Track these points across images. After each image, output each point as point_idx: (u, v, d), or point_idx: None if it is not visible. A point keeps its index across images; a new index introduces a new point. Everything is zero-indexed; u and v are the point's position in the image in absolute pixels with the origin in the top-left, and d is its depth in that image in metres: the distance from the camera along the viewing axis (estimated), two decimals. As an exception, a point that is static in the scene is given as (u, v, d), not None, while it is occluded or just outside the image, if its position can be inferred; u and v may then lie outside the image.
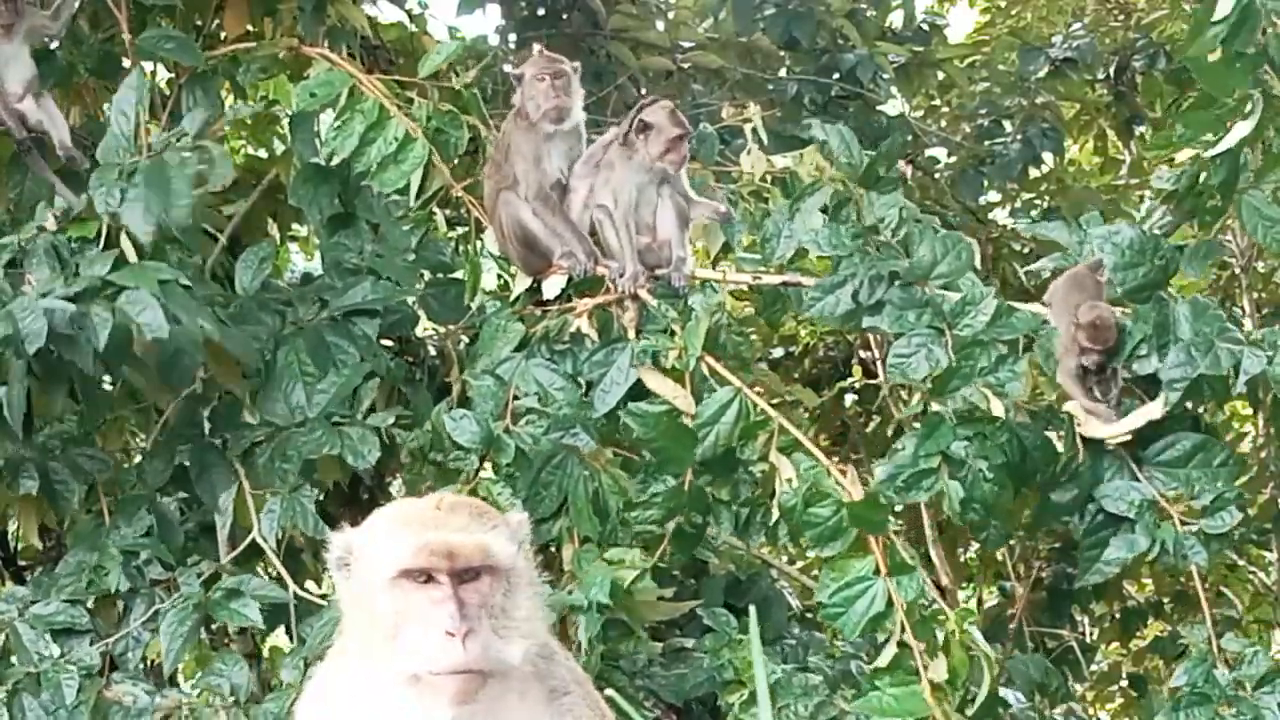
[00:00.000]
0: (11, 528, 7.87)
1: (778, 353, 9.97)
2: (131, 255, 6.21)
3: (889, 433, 8.49)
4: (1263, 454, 9.62)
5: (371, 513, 3.71)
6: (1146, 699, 9.62)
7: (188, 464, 6.66)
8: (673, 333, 6.10)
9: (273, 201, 7.69)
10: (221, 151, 6.29)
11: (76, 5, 6.79)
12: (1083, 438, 5.96)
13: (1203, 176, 6.01)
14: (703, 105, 9.25)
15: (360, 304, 6.65)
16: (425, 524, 3.52)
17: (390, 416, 6.46)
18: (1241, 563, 10.22)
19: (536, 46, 6.60)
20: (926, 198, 10.22)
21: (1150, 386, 5.98)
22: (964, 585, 10.00)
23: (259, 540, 6.38)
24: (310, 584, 6.74)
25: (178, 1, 7.07)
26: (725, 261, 6.77)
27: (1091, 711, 11.42)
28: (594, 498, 6.15)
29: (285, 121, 7.67)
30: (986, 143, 10.73)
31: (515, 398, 6.19)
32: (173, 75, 7.29)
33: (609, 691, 3.83)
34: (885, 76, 10.14)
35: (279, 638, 7.10)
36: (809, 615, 8.03)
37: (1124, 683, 10.71)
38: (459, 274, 6.77)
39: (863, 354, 10.17)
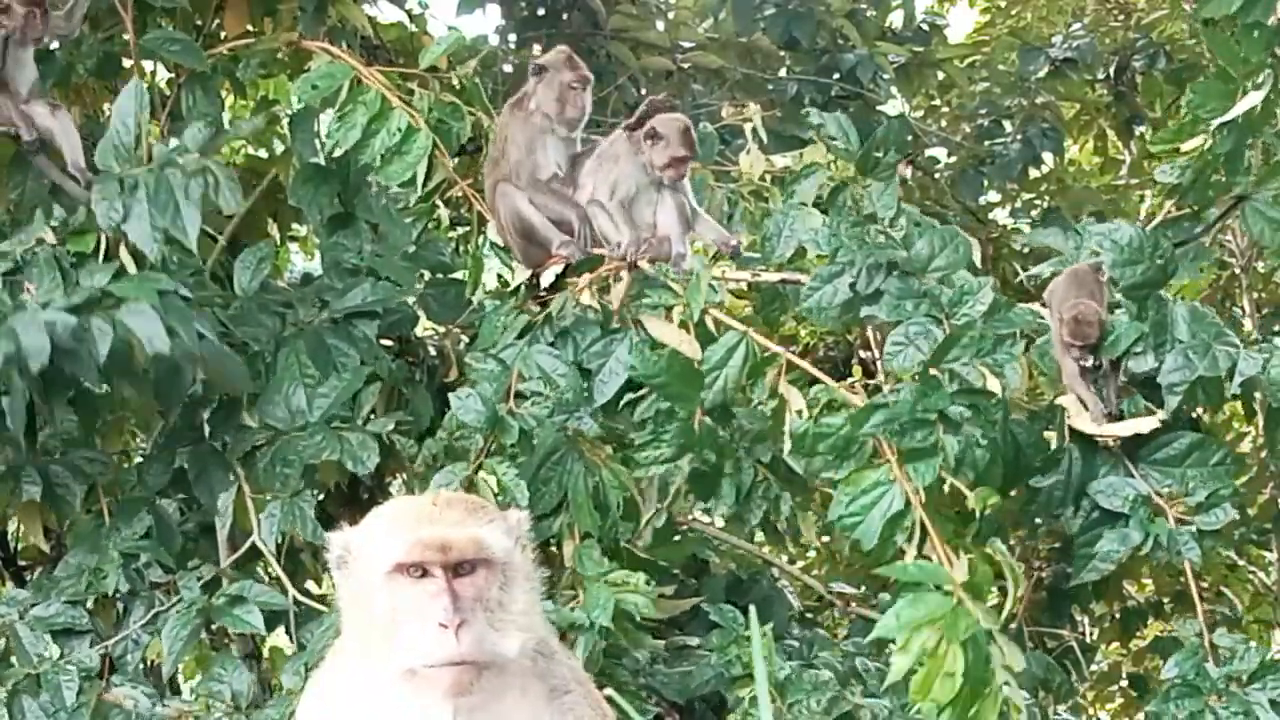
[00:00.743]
0: (11, 528, 7.87)
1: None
2: (130, 264, 6.23)
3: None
4: (1262, 454, 9.62)
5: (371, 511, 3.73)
6: (1147, 698, 9.65)
7: (187, 466, 6.65)
8: (674, 293, 6.12)
9: (273, 201, 7.69)
10: (228, 174, 6.30)
11: (87, 4, 6.79)
12: (1073, 430, 5.97)
13: (1208, 144, 6.01)
14: (703, 105, 9.26)
15: (360, 306, 6.65)
16: (420, 519, 3.54)
17: (390, 422, 6.46)
18: (1241, 563, 10.23)
19: (560, 49, 6.60)
20: (926, 198, 10.23)
21: (1145, 385, 6.00)
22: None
23: (259, 544, 6.38)
24: (310, 585, 6.74)
25: (182, 2, 7.07)
26: (724, 261, 6.78)
27: (1091, 711, 11.43)
28: (594, 493, 6.15)
29: (285, 121, 7.67)
30: (986, 143, 10.74)
31: (519, 383, 6.21)
32: (172, 75, 7.29)
33: (609, 690, 3.84)
34: (885, 76, 10.15)
35: (278, 638, 7.10)
36: (809, 615, 8.05)
37: (1124, 683, 10.71)
38: (459, 274, 6.77)
39: (863, 354, 10.17)
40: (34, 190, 6.72)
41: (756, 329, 6.15)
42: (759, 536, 8.26)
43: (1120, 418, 6.00)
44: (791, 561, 9.82)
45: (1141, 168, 11.54)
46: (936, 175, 10.85)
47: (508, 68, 9.40)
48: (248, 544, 6.41)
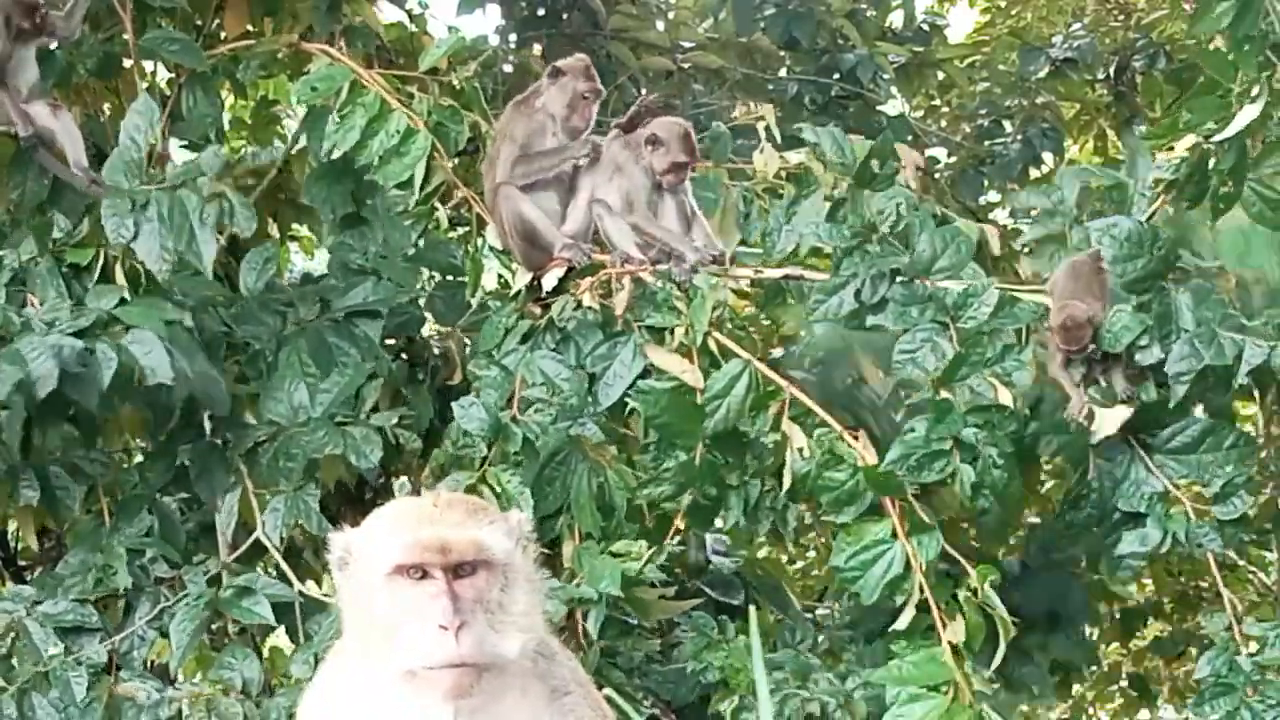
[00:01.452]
0: (11, 528, 7.87)
1: (778, 353, 9.94)
2: (121, 278, 6.24)
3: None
4: (1263, 453, 9.61)
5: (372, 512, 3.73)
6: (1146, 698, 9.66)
7: (189, 464, 6.66)
8: (678, 311, 6.12)
9: (273, 201, 7.69)
10: (241, 199, 6.33)
11: (87, 5, 6.79)
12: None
13: (1211, 163, 6.00)
14: (702, 105, 9.26)
15: (362, 305, 6.65)
16: (421, 520, 3.54)
17: (393, 416, 6.47)
18: (1242, 563, 10.22)
19: (580, 56, 6.60)
20: (926, 198, 10.22)
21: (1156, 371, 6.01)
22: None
23: (263, 539, 6.38)
24: (311, 584, 6.74)
25: (182, 2, 7.08)
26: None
27: (1092, 712, 11.43)
28: (598, 493, 6.15)
29: (285, 121, 7.67)
30: (986, 143, 10.75)
31: (522, 388, 6.21)
32: (173, 75, 7.29)
33: (608, 691, 3.84)
34: (885, 76, 10.16)
35: (278, 638, 7.11)
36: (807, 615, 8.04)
37: (1124, 683, 10.71)
38: (466, 276, 6.78)
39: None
40: (34, 190, 6.72)
41: (758, 329, 6.15)
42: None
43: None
44: (791, 561, 9.82)
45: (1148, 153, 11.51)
46: (936, 175, 10.84)
47: (508, 68, 9.40)
48: (250, 540, 6.41)
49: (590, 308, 6.28)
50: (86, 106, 7.43)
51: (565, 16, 9.79)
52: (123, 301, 6.16)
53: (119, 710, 6.15)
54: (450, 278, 7.04)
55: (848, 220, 6.29)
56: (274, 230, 7.98)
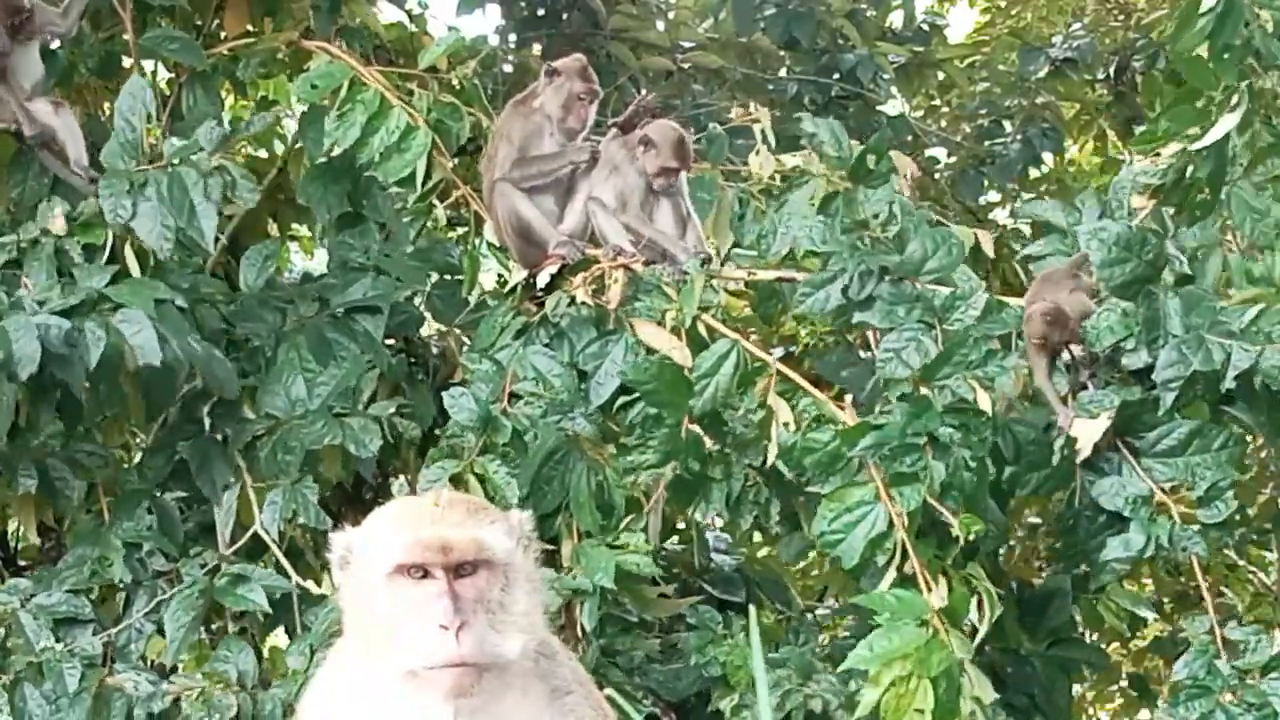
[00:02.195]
0: (11, 527, 7.87)
1: (778, 352, 9.95)
2: (133, 263, 6.24)
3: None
4: (1263, 454, 9.61)
5: (373, 511, 3.73)
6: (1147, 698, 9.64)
7: (188, 458, 6.66)
8: (668, 297, 6.13)
9: (273, 201, 7.70)
10: (242, 172, 6.32)
11: (85, 4, 6.80)
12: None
13: (1189, 170, 6.00)
14: (703, 105, 9.27)
15: (361, 301, 6.66)
16: (421, 520, 3.54)
17: (391, 406, 6.47)
18: (1241, 563, 10.22)
19: (576, 57, 6.61)
20: (926, 197, 10.22)
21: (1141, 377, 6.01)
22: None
23: (261, 532, 6.38)
24: (310, 583, 6.74)
25: (182, 1, 7.08)
26: (728, 261, 6.79)
27: (1091, 711, 11.42)
28: (597, 491, 6.16)
29: (285, 121, 7.67)
30: (986, 143, 10.74)
31: (514, 384, 6.22)
32: (173, 75, 7.30)
33: (608, 690, 3.84)
34: (885, 76, 10.16)
35: (278, 637, 7.11)
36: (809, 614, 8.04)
37: (1124, 683, 10.70)
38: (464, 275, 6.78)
39: (863, 354, 10.16)
40: (34, 188, 6.72)
41: (753, 329, 6.17)
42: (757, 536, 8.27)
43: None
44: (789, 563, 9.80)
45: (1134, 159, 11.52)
46: (936, 175, 10.85)
47: (508, 68, 9.40)
48: (249, 534, 6.41)
49: (584, 303, 6.29)
50: (87, 106, 7.44)
51: (565, 16, 9.79)
52: (114, 280, 6.14)
53: (108, 701, 6.16)
54: (448, 276, 7.04)
55: (839, 214, 6.29)
56: (274, 230, 7.99)
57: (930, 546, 5.66)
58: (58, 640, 6.19)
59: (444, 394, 6.23)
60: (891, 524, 5.62)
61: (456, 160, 6.69)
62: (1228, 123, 5.76)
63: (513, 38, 9.87)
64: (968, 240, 6.56)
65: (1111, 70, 11.27)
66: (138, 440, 7.61)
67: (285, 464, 6.38)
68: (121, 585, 6.37)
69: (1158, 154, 6.23)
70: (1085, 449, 5.91)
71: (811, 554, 10.68)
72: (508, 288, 6.52)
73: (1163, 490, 5.90)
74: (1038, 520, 8.93)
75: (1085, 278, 6.13)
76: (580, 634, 5.97)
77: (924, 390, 5.77)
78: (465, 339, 7.14)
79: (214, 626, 6.92)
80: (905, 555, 5.64)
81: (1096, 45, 11.02)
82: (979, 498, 5.76)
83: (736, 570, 7.49)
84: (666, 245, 6.32)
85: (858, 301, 6.09)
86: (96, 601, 6.40)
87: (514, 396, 6.20)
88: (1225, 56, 5.62)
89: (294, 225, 8.39)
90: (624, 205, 6.32)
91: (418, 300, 7.07)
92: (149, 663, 6.49)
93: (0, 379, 5.93)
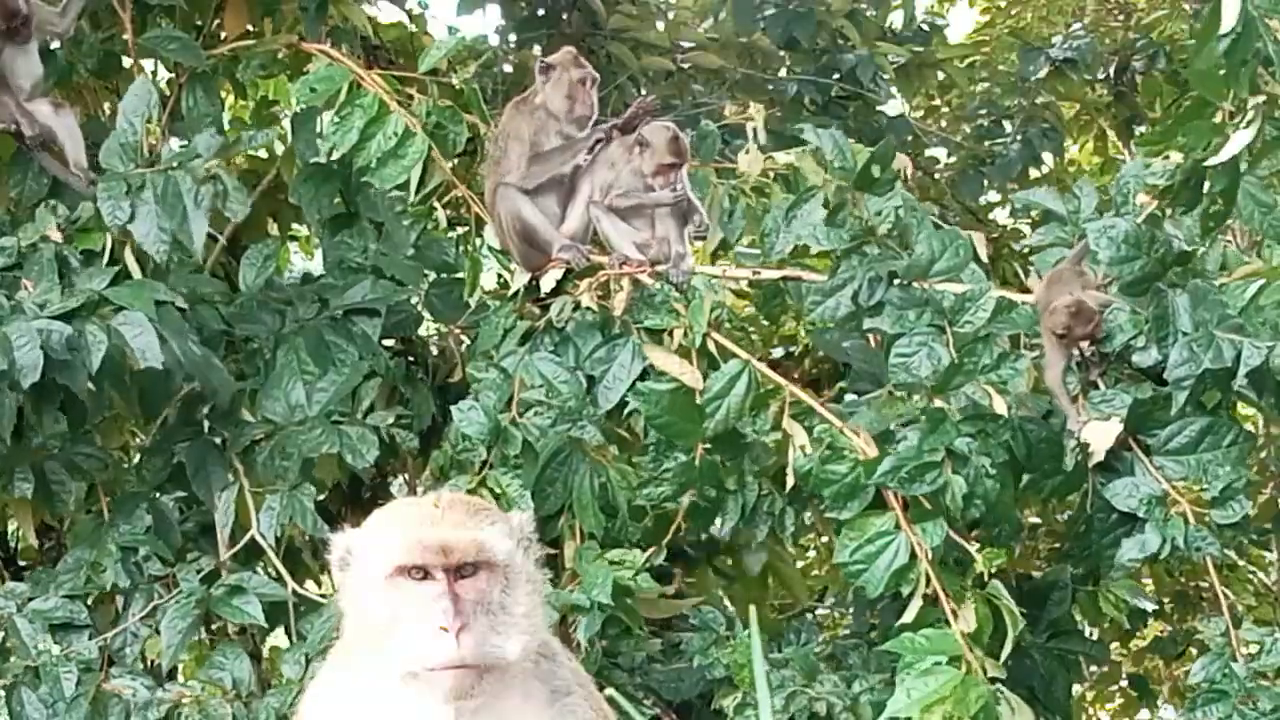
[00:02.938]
0: (11, 527, 7.86)
1: (778, 353, 9.96)
2: (133, 266, 6.24)
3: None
4: (1263, 454, 9.62)
5: (372, 512, 3.72)
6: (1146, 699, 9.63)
7: (185, 461, 6.65)
8: (676, 313, 6.12)
9: (273, 201, 7.69)
10: (235, 183, 6.32)
11: (83, 3, 6.79)
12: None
13: (1206, 186, 5.98)
14: (703, 105, 9.26)
15: (360, 303, 6.65)
16: (422, 521, 3.53)
17: (390, 416, 6.46)
18: (1242, 563, 10.22)
19: (566, 49, 6.60)
20: (926, 197, 10.22)
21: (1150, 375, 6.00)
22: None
23: (258, 538, 6.38)
24: (309, 584, 6.74)
25: (180, 1, 7.07)
26: (724, 259, 6.78)
27: (1091, 711, 11.42)
28: (601, 494, 6.15)
29: (285, 121, 7.66)
30: (986, 143, 10.74)
31: (521, 390, 6.21)
32: (173, 75, 7.29)
33: (609, 691, 3.83)
34: (885, 76, 10.15)
35: (278, 638, 7.10)
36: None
37: (1124, 683, 10.70)
38: (463, 274, 6.77)
39: (877, 351, 10.16)
40: (34, 189, 6.72)
41: (757, 329, 6.15)
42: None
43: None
44: (792, 560, 9.80)
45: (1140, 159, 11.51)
46: (936, 175, 10.84)
47: (508, 68, 9.40)
48: (246, 538, 6.41)
49: (589, 309, 6.28)
50: (87, 106, 7.43)
51: (565, 16, 9.78)
52: (114, 282, 6.14)
53: (105, 706, 6.15)
54: (445, 275, 7.03)
55: (846, 223, 6.28)
56: (274, 230, 7.98)
57: (955, 576, 5.66)
58: (60, 649, 6.18)
59: (452, 407, 6.21)
60: (914, 555, 5.62)
61: (456, 161, 6.67)
62: (1242, 139, 5.74)
63: (513, 38, 9.87)
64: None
65: (1111, 70, 11.27)
66: (136, 440, 7.60)
67: (283, 469, 6.37)
68: (117, 590, 6.36)
69: (1166, 155, 6.22)
70: (1099, 453, 5.91)
71: (811, 554, 10.74)
72: (510, 292, 6.51)
73: (1175, 490, 5.89)
74: (1037, 520, 8.93)
75: (1089, 273, 6.14)
76: (576, 646, 5.95)
77: (938, 403, 5.77)
78: (465, 338, 7.13)
79: (214, 627, 6.91)
80: (927, 579, 5.64)
81: (1096, 45, 11.02)
82: (1003, 504, 5.77)
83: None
84: (666, 239, 6.32)
85: (868, 308, 6.09)
86: (93, 605, 6.38)
87: (522, 404, 6.18)
88: (1241, 71, 5.60)
89: (294, 225, 8.38)
90: (605, 195, 6.31)
91: (415, 300, 7.05)
92: (147, 663, 6.48)
93: (2, 386, 5.93)
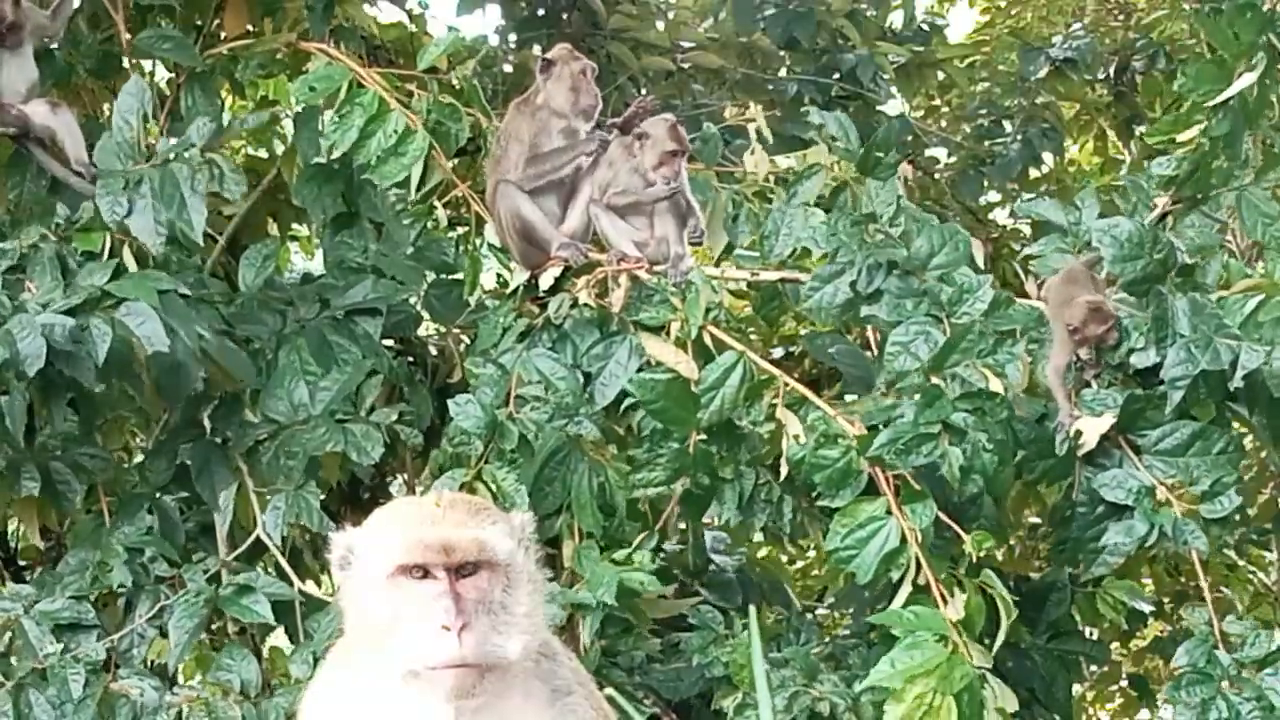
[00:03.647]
0: (11, 527, 7.86)
1: (778, 353, 9.96)
2: (131, 263, 6.23)
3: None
4: (1263, 454, 9.61)
5: (372, 512, 3.72)
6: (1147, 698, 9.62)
7: (190, 462, 6.65)
8: (673, 307, 6.12)
9: (273, 201, 7.70)
10: (231, 166, 6.32)
11: (75, 5, 6.79)
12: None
13: (1205, 129, 6.00)
14: (703, 105, 9.26)
15: (361, 303, 6.65)
16: (423, 520, 3.54)
17: (393, 414, 6.46)
18: (1241, 563, 10.21)
19: (562, 45, 6.59)
20: (926, 198, 10.23)
21: (1146, 377, 6.01)
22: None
23: (263, 538, 6.38)
24: (310, 584, 6.74)
25: (176, 2, 7.07)
26: (725, 261, 6.78)
27: (1091, 711, 11.42)
28: (599, 493, 6.15)
29: (285, 121, 7.67)
30: (986, 143, 10.74)
31: (518, 387, 6.21)
32: (172, 75, 7.29)
33: (609, 690, 3.83)
34: (885, 76, 10.15)
35: (278, 638, 7.10)
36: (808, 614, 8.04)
37: (1124, 683, 10.69)
38: (461, 274, 6.78)
39: (865, 354, 10.15)
40: (33, 189, 6.72)
41: (756, 330, 6.16)
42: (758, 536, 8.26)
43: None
44: (791, 562, 9.81)
45: (1141, 168, 11.50)
46: (936, 175, 10.84)
47: (508, 68, 9.40)
48: (251, 538, 6.41)
49: (587, 305, 6.29)
50: (85, 107, 7.43)
51: (565, 16, 9.78)
52: (115, 275, 6.14)
53: (113, 707, 6.15)
54: (444, 275, 7.03)
55: (846, 207, 6.29)
56: (274, 230, 7.98)
57: (944, 560, 5.66)
58: (62, 647, 6.18)
59: (449, 401, 6.22)
60: (904, 539, 5.62)
61: (457, 160, 6.68)
62: (1246, 79, 5.78)
63: (513, 38, 9.87)
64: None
65: (1111, 70, 11.26)
66: (138, 440, 7.60)
67: (287, 469, 6.37)
68: (123, 590, 6.36)
69: (1173, 141, 6.23)
70: (1090, 442, 5.92)
71: (811, 554, 10.74)
72: (510, 289, 6.51)
73: (1164, 486, 5.91)
74: (1038, 520, 8.92)
75: (1098, 278, 6.16)
76: (581, 646, 5.96)
77: (934, 380, 5.77)
78: (464, 338, 7.13)
79: (214, 627, 6.91)
80: (919, 566, 5.65)
81: (1096, 45, 11.02)
82: (1000, 479, 5.77)
83: (738, 570, 7.49)
84: (665, 239, 6.33)
85: (865, 295, 6.09)
86: (98, 606, 6.38)
87: (519, 400, 6.19)
88: (1248, 16, 5.63)
89: (294, 225, 8.38)
90: (603, 194, 6.32)
91: (413, 300, 7.05)
92: (149, 664, 6.49)
93: (9, 379, 5.93)
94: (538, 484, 6.10)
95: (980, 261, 6.62)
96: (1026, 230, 10.30)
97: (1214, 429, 5.98)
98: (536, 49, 9.59)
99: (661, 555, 6.34)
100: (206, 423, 6.67)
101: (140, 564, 6.39)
